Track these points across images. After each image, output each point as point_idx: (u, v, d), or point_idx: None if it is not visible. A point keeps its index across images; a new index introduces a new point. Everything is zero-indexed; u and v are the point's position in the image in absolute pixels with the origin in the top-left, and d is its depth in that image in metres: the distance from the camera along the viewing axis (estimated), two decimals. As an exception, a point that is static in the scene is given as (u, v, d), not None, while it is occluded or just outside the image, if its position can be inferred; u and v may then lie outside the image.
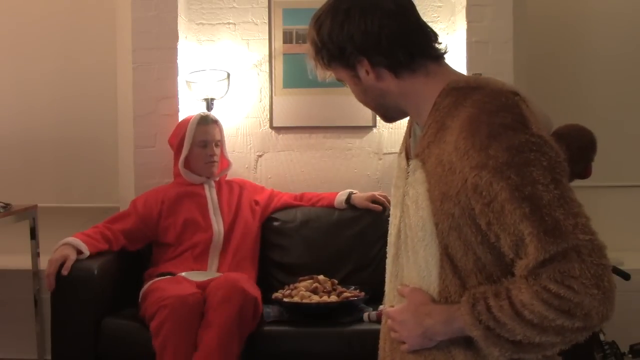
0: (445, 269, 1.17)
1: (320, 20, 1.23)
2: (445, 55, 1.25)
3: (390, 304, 1.32)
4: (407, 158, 1.28)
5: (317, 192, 3.11)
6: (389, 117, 1.31)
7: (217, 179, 2.94)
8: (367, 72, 1.21)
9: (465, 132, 1.10)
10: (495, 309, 1.07)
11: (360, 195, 3.00)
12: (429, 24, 1.26)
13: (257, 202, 2.97)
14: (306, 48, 1.29)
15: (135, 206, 2.80)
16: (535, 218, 1.04)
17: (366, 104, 1.29)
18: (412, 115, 1.29)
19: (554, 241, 1.03)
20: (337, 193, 3.05)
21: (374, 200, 2.97)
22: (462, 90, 1.17)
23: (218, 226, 2.76)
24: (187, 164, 2.86)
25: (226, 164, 3.00)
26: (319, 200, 3.05)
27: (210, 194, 2.86)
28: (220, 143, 2.93)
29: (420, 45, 1.21)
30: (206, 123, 2.88)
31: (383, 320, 1.37)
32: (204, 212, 2.80)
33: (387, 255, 1.35)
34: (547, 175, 1.05)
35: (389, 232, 1.34)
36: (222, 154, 2.96)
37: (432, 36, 1.23)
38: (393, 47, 1.18)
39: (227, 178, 3.03)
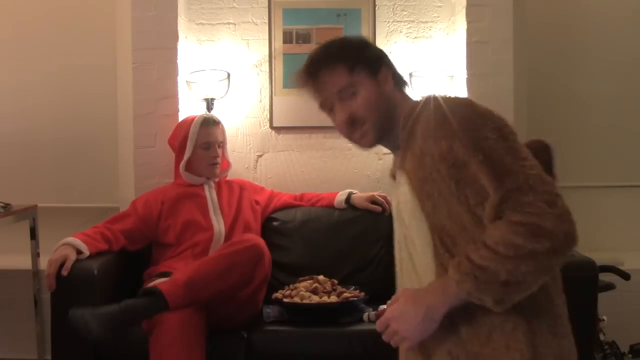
0: (437, 248, 1.31)
1: (345, 38, 1.67)
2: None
3: None
4: (394, 177, 1.49)
5: (317, 193, 3.11)
6: (381, 131, 1.45)
7: (217, 179, 2.94)
8: (386, 78, 1.45)
9: (428, 122, 1.33)
10: (475, 258, 1.21)
11: (360, 196, 3.00)
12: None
13: (257, 202, 2.96)
14: (314, 61, 1.48)
15: (135, 207, 2.80)
16: (489, 163, 1.23)
17: (374, 110, 1.44)
18: (391, 130, 1.46)
19: (507, 179, 1.21)
20: (337, 193, 3.04)
21: (374, 201, 2.96)
22: (419, 104, 1.40)
23: (219, 225, 2.76)
24: (189, 166, 2.85)
25: (226, 165, 2.99)
26: (319, 201, 3.04)
27: (210, 194, 2.85)
28: (222, 144, 2.93)
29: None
30: (209, 125, 2.86)
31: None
32: (205, 212, 2.79)
33: (396, 269, 1.49)
34: (495, 132, 1.26)
35: (395, 248, 1.50)
36: (223, 155, 2.96)
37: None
38: (393, 66, 1.52)
39: (227, 178, 3.03)
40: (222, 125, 2.94)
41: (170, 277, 2.41)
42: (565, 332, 1.30)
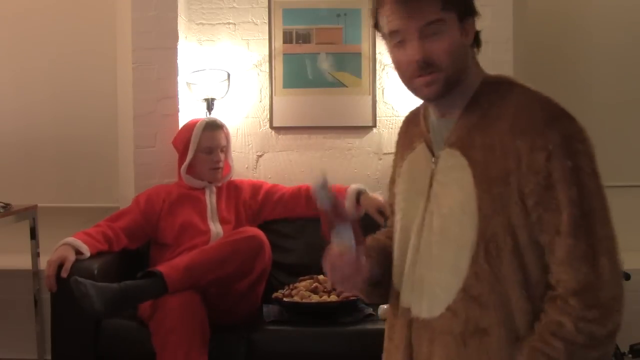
0: (479, 255, 1.19)
1: None
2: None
3: (405, 294, 1.32)
4: (431, 150, 1.31)
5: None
6: (448, 86, 1.24)
7: (220, 184, 2.91)
8: (472, 28, 1.26)
9: (523, 117, 1.17)
10: (549, 351, 1.16)
11: (369, 199, 2.82)
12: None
13: (252, 204, 2.93)
14: None
15: (138, 202, 2.81)
16: (578, 203, 1.13)
17: (454, 58, 1.22)
18: (454, 91, 1.26)
19: (587, 234, 1.14)
20: (346, 188, 2.87)
21: (381, 211, 2.78)
22: (501, 84, 1.25)
23: (216, 230, 2.75)
24: (191, 169, 2.84)
25: (228, 169, 2.96)
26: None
27: (210, 199, 2.83)
28: (225, 149, 2.90)
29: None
30: (212, 129, 2.84)
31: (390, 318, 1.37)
32: (203, 216, 2.78)
33: (398, 247, 1.36)
34: (591, 165, 1.16)
35: (403, 225, 1.35)
36: (226, 159, 2.93)
37: None
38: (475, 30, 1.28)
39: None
40: (226, 129, 2.91)
41: (171, 261, 2.43)
42: None
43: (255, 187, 2.99)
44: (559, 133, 1.15)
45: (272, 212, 2.94)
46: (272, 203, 2.94)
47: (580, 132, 1.18)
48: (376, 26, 1.28)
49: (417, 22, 1.20)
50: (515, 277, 1.18)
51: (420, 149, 1.34)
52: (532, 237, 1.18)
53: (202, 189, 2.86)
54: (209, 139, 2.82)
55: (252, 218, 2.89)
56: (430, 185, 1.28)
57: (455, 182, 1.22)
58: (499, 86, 1.24)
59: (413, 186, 1.34)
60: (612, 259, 1.17)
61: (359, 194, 2.83)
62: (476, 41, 1.28)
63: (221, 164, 2.85)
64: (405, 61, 1.23)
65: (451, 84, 1.24)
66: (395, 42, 1.24)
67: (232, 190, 2.92)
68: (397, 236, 1.38)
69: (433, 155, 1.30)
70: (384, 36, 1.28)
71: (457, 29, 1.22)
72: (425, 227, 1.27)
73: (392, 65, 1.29)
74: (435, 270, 1.25)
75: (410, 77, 1.24)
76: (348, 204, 2.76)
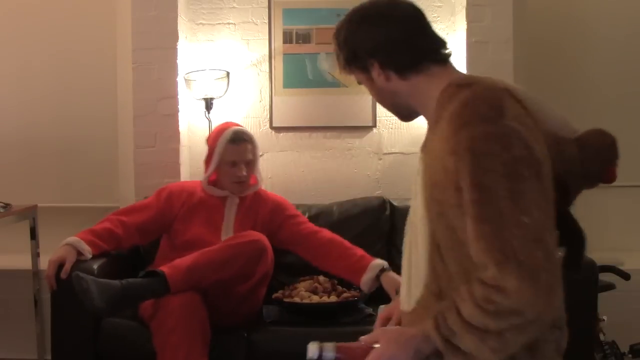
0: (433, 254, 1.25)
1: (339, 29, 1.40)
2: (450, 59, 1.37)
3: (402, 304, 1.40)
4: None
5: (343, 241, 2.69)
6: (404, 116, 1.43)
7: (244, 195, 2.76)
8: (379, 74, 1.35)
9: (447, 122, 1.20)
10: (451, 323, 1.18)
11: (390, 279, 2.53)
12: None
13: (271, 223, 2.77)
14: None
15: (159, 198, 2.72)
16: (479, 205, 1.12)
17: (382, 103, 1.42)
18: (422, 113, 1.39)
19: (493, 235, 1.11)
20: (368, 261, 2.61)
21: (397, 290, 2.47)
22: (457, 87, 1.26)
23: None
24: (215, 177, 2.74)
25: (255, 181, 2.79)
26: (339, 260, 2.65)
27: (229, 211, 2.71)
28: (251, 163, 2.71)
29: (423, 50, 1.34)
30: (238, 142, 2.66)
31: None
32: (217, 229, 2.68)
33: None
34: (507, 166, 1.12)
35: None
36: (253, 173, 2.76)
37: (437, 41, 1.36)
38: (398, 51, 1.33)
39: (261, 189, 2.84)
40: (253, 142, 2.72)
41: (173, 261, 2.42)
42: None
43: (278, 206, 2.80)
44: (467, 136, 1.14)
45: (289, 242, 2.76)
46: (291, 234, 2.75)
47: (500, 134, 1.13)
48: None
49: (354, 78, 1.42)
50: (463, 275, 1.22)
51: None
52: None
53: (224, 198, 2.74)
54: (233, 153, 2.66)
55: (269, 235, 2.63)
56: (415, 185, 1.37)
57: (417, 184, 1.31)
58: (456, 89, 1.25)
59: (412, 189, 1.42)
60: (521, 263, 1.10)
61: (381, 271, 2.58)
62: (405, 68, 1.33)
63: (244, 179, 2.69)
64: None
65: (403, 113, 1.41)
66: None
67: (255, 202, 2.77)
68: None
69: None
70: None
71: (367, 79, 1.38)
72: (409, 225, 1.39)
73: None
74: (411, 267, 1.35)
75: None
76: (367, 277, 2.56)
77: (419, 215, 1.28)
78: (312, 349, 1.34)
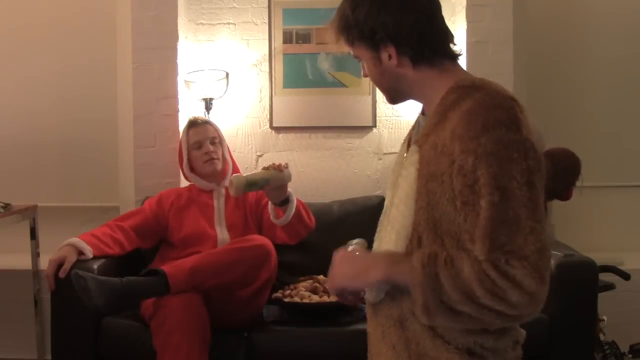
0: (412, 244, 1.26)
1: (357, 3, 1.32)
2: (459, 56, 1.37)
3: (368, 296, 1.39)
4: (408, 146, 1.39)
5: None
6: (394, 99, 1.42)
7: (227, 184, 2.83)
8: (390, 57, 1.31)
9: (463, 121, 1.20)
10: (440, 269, 1.17)
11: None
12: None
13: (257, 209, 2.86)
14: (331, 20, 1.37)
15: (150, 203, 2.80)
16: (500, 207, 1.14)
17: (379, 82, 1.39)
18: (421, 103, 1.38)
19: (508, 236, 1.14)
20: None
21: None
22: (466, 88, 1.27)
23: (222, 236, 2.72)
24: (193, 170, 2.84)
25: (233, 166, 2.91)
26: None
27: (219, 203, 2.81)
28: (216, 141, 2.85)
29: (442, 44, 1.34)
30: (196, 125, 2.84)
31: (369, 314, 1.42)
32: (210, 221, 2.75)
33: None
34: (524, 175, 1.15)
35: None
36: (225, 155, 2.88)
37: (451, 37, 1.36)
38: (421, 41, 1.30)
39: None
40: (212, 124, 2.88)
41: (175, 262, 2.42)
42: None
43: (260, 193, 2.87)
44: (492, 139, 1.16)
45: (270, 226, 2.80)
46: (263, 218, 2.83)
47: (520, 143, 1.17)
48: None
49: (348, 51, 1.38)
50: None
51: (404, 145, 1.45)
52: (452, 233, 1.22)
53: (211, 192, 2.82)
54: (194, 134, 2.81)
55: (257, 223, 2.84)
56: (398, 177, 1.37)
57: (408, 175, 1.30)
58: (467, 89, 1.27)
59: (390, 179, 1.44)
60: (530, 269, 1.12)
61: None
62: (420, 57, 1.32)
63: (214, 155, 2.80)
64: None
65: (396, 97, 1.40)
66: None
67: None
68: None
69: (409, 148, 1.39)
70: None
71: (371, 58, 1.33)
72: (385, 216, 1.39)
73: None
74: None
75: None
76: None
77: (401, 207, 1.30)
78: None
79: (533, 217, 1.14)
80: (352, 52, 1.37)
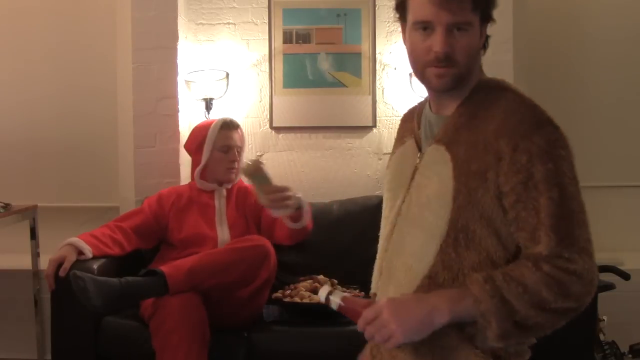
0: (448, 244, 1.24)
1: None
2: None
3: (374, 281, 1.41)
4: (419, 146, 1.37)
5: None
6: (456, 83, 1.30)
7: (230, 186, 2.84)
8: (482, 36, 1.32)
9: (510, 120, 1.23)
10: (502, 286, 1.17)
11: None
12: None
13: (256, 209, 2.84)
14: None
15: (150, 203, 2.78)
16: (559, 203, 1.18)
17: (467, 57, 1.29)
18: (445, 97, 1.33)
19: (567, 230, 1.19)
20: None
21: None
22: (494, 88, 1.32)
23: (223, 236, 2.71)
24: (205, 170, 2.79)
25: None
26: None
27: (220, 203, 2.78)
28: (240, 150, 2.82)
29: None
30: (229, 128, 2.77)
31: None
32: (211, 221, 2.74)
33: (380, 237, 1.44)
34: (572, 171, 1.22)
35: (385, 215, 1.44)
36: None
37: None
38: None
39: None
40: (241, 131, 2.84)
41: (174, 262, 2.42)
42: None
43: None
44: (543, 138, 1.20)
45: (268, 227, 2.80)
46: (266, 218, 2.80)
47: (563, 140, 1.23)
48: (398, 8, 1.33)
49: (449, 17, 1.24)
50: (478, 268, 1.23)
51: (409, 144, 1.41)
52: (500, 231, 1.24)
53: (212, 192, 2.80)
54: (225, 137, 2.75)
55: (256, 223, 2.82)
56: (412, 178, 1.34)
57: (436, 174, 1.28)
58: (492, 89, 1.31)
59: (397, 179, 1.40)
60: (587, 259, 1.20)
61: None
62: (484, 45, 1.35)
63: (236, 165, 2.78)
64: (425, 49, 1.27)
65: (459, 81, 1.29)
66: (420, 28, 1.27)
67: (242, 194, 2.84)
68: (381, 227, 1.45)
69: (419, 151, 1.36)
70: (401, 18, 1.34)
71: (477, 32, 1.29)
72: (401, 216, 1.34)
73: (406, 46, 1.33)
74: (403, 257, 1.31)
75: (424, 65, 1.29)
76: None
77: (433, 205, 1.26)
78: (322, 293, 1.38)
79: (582, 210, 1.21)
80: (461, 19, 1.25)
